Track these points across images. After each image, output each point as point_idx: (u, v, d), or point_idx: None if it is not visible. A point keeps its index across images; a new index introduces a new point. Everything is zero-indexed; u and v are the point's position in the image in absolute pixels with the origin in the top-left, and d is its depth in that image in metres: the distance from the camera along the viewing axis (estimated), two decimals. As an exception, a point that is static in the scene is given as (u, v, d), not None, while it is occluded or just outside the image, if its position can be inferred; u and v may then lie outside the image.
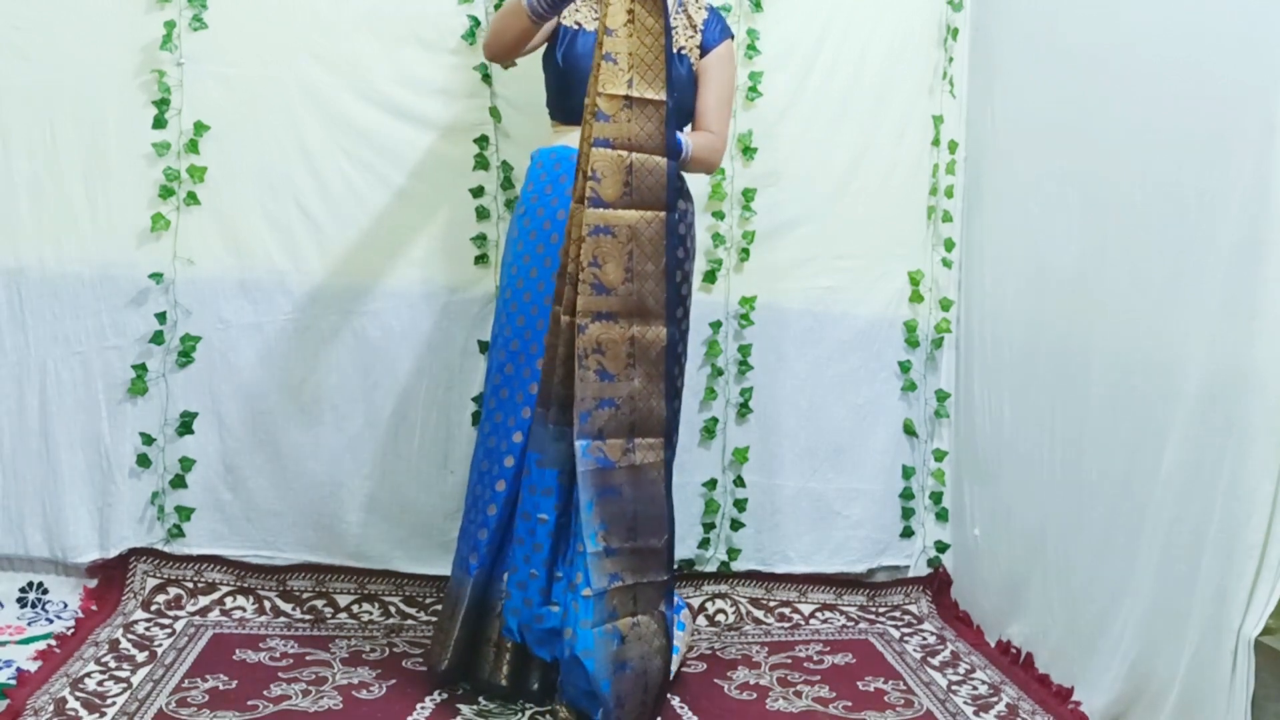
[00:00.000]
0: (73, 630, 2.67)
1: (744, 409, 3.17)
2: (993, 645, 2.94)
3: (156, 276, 2.88)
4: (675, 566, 3.10)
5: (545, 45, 2.60)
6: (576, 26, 2.55)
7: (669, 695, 2.53)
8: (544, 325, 2.45)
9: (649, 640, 2.32)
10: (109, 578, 2.89)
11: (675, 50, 2.58)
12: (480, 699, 2.47)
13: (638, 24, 2.28)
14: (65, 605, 2.83)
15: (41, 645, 2.58)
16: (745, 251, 3.13)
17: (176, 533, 2.94)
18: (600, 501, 2.26)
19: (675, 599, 2.77)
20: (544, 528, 2.32)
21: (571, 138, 2.50)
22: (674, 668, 2.56)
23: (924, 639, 3.03)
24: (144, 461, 2.92)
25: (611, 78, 2.26)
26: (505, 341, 2.53)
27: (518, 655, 2.45)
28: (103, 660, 2.54)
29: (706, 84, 2.62)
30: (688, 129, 2.60)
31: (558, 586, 2.32)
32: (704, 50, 2.62)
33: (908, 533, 3.28)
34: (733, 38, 2.70)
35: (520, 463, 2.46)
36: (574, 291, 2.27)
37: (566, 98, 2.55)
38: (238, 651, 2.64)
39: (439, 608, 2.93)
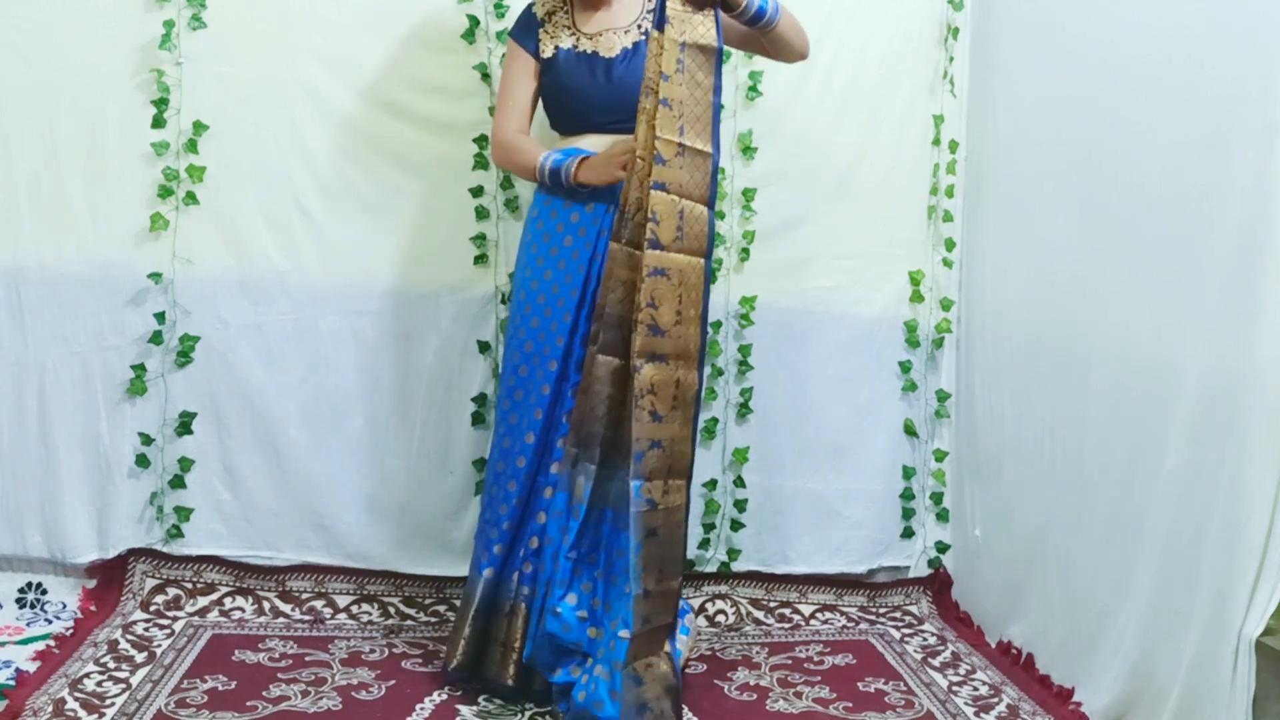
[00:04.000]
0: (71, 631, 2.67)
1: (744, 409, 3.16)
2: (993, 646, 2.93)
3: (155, 276, 2.88)
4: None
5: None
6: (555, 50, 2.56)
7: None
8: (557, 328, 2.47)
9: (661, 680, 2.29)
10: (108, 578, 2.88)
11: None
12: (480, 699, 2.46)
13: (687, 74, 2.30)
14: (64, 605, 2.83)
15: (40, 646, 2.58)
16: (745, 251, 3.12)
17: (175, 533, 2.94)
18: (646, 543, 2.25)
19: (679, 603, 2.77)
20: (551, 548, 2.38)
21: (582, 142, 2.54)
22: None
23: (924, 640, 3.02)
24: (143, 462, 2.92)
25: (668, 123, 2.28)
26: (520, 344, 2.53)
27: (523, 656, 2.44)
28: (101, 661, 2.54)
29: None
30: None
31: (584, 624, 2.34)
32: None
33: (908, 533, 3.27)
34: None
35: (532, 463, 2.47)
36: (618, 332, 2.29)
37: (567, 111, 2.59)
38: (237, 652, 2.64)
39: (439, 607, 2.95)
